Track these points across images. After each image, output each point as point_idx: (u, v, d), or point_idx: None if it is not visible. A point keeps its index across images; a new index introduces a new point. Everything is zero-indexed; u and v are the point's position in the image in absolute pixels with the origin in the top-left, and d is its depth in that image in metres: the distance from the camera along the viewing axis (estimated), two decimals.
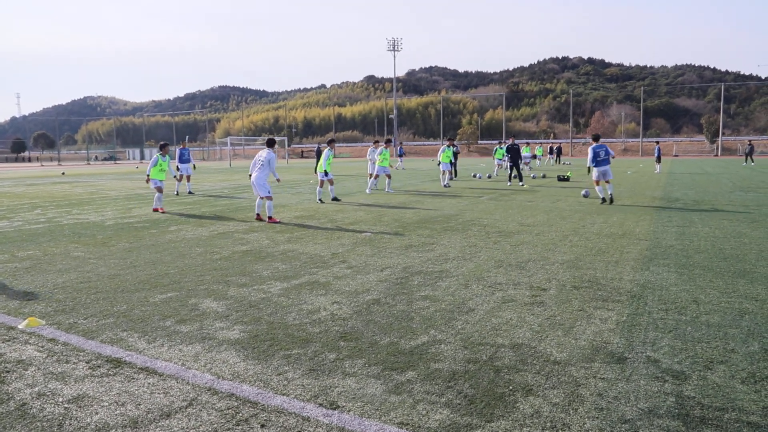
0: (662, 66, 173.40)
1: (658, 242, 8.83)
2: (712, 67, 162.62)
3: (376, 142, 21.60)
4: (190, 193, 19.93)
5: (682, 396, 3.49)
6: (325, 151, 15.67)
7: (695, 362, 4.01)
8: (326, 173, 15.56)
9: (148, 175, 14.02)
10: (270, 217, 11.77)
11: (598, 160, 14.94)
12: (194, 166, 20.88)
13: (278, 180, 12.56)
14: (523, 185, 21.14)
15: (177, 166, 19.66)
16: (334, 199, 16.10)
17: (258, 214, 12.03)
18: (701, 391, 3.55)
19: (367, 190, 19.18)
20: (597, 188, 15.26)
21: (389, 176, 19.42)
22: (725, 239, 8.99)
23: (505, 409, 3.36)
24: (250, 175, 11.89)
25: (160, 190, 14.09)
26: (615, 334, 4.62)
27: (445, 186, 21.10)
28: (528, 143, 38.14)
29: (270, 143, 12.15)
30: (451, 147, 22.45)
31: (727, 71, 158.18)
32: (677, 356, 4.13)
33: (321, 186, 15.91)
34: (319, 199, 15.86)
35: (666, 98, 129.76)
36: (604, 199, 14.87)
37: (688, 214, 12.18)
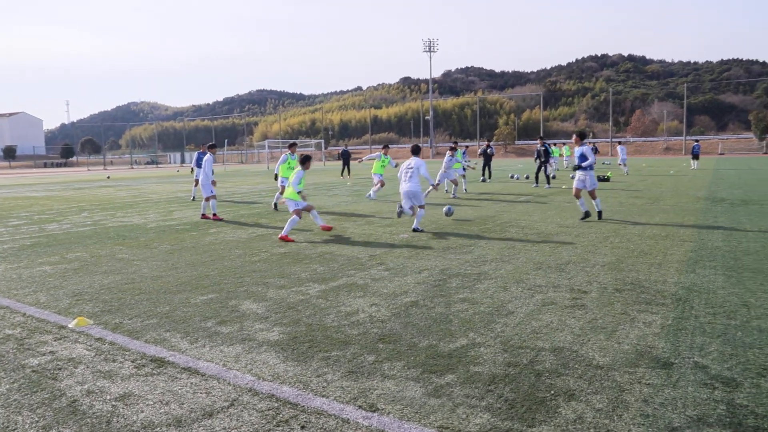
0: (707, 61, 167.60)
1: (704, 243, 8.55)
2: (761, 60, 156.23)
3: (453, 148, 18.14)
4: (193, 199, 18.72)
5: (733, 404, 3.37)
6: (282, 156, 14.12)
7: (747, 369, 3.86)
8: (276, 177, 14.59)
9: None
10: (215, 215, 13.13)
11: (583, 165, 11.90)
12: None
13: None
14: (548, 187, 20.47)
15: (192, 168, 18.42)
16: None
17: (205, 214, 13.33)
18: (754, 400, 3.41)
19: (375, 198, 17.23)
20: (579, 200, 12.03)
21: (383, 183, 17.22)
22: None
23: (547, 414, 3.31)
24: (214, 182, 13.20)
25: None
26: (660, 338, 4.49)
27: (455, 195, 17.80)
28: (564, 143, 37.30)
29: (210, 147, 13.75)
30: (461, 152, 19.69)
31: None
32: (727, 362, 3.98)
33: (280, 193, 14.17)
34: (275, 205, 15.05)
35: (710, 94, 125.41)
36: (587, 213, 11.64)
37: (735, 215, 11.75)
